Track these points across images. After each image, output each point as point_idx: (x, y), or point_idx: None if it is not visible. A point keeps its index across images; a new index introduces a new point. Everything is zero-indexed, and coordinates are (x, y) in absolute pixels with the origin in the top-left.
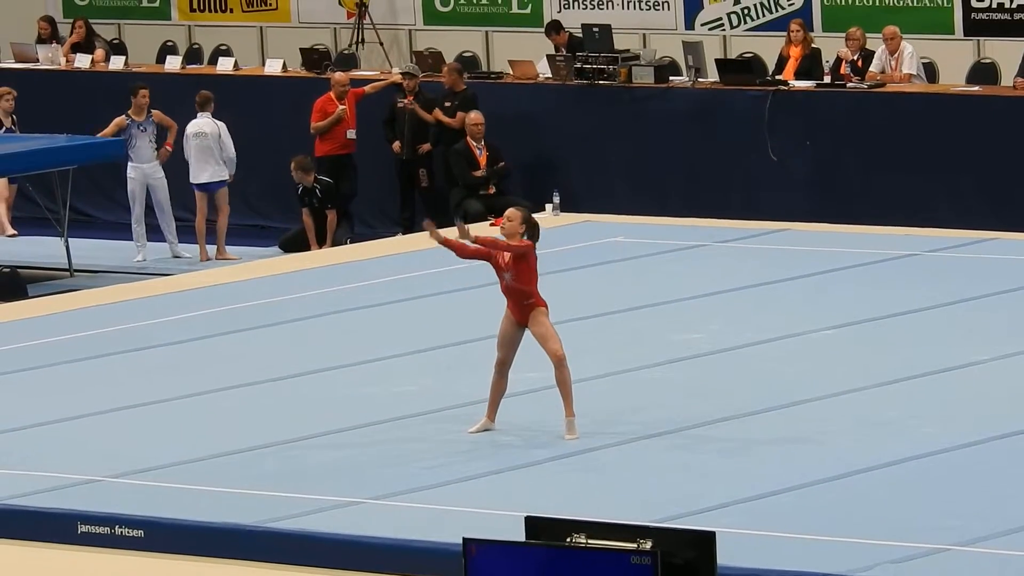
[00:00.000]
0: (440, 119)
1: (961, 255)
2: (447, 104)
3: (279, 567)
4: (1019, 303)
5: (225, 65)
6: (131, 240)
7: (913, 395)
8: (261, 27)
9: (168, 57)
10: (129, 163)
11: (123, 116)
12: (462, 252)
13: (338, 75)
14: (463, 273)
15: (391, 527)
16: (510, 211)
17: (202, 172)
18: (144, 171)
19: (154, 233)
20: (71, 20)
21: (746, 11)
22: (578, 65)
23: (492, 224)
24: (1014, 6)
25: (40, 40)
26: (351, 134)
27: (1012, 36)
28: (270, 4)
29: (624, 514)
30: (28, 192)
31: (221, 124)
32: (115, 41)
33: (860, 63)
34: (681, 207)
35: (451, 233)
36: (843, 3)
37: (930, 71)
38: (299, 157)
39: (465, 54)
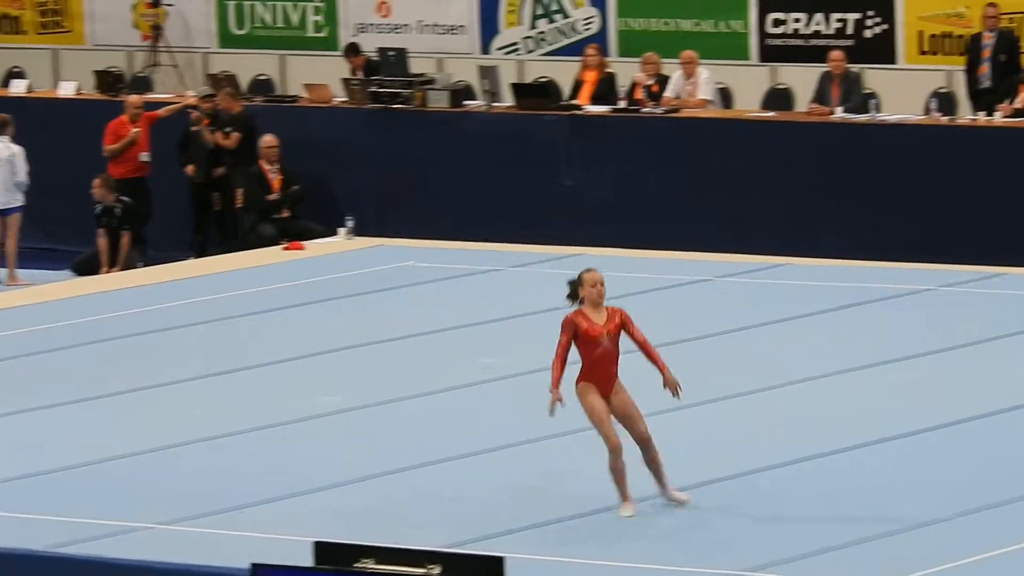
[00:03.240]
0: (219, 142)
1: (753, 280)
2: (228, 129)
3: None
4: (808, 329)
5: (18, 87)
6: None
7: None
8: (55, 49)
9: None
10: None
11: None
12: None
13: (131, 98)
14: (252, 298)
15: (179, 552)
16: (599, 276)
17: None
18: None
19: None
20: None
21: (542, 36)
22: (373, 89)
23: (285, 248)
24: (809, 32)
25: None
26: (144, 157)
27: (806, 62)
28: (64, 26)
29: (414, 539)
30: None
31: (17, 148)
32: None
33: (656, 88)
34: (476, 231)
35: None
36: (639, 28)
37: (725, 96)
38: (104, 175)
39: (260, 77)
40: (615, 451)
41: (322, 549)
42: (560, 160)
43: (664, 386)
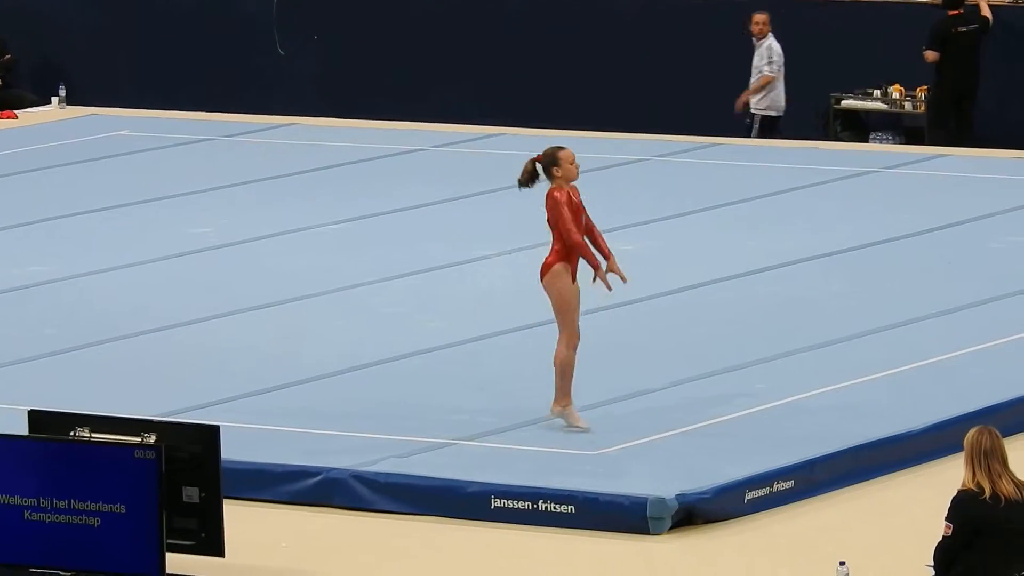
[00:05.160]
0: None
1: (468, 150)
2: None
3: None
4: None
5: None
6: None
7: (419, 290)
8: None
9: None
10: None
11: None
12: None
13: None
14: None
15: None
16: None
17: None
18: None
19: None
20: None
21: None
22: None
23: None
24: None
25: None
26: None
27: None
28: None
29: (132, 409)
30: None
31: None
32: None
33: None
34: (190, 102)
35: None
36: None
37: None
38: None
39: None
40: (577, 345)
41: (37, 417)
42: (273, 30)
43: (608, 271)
